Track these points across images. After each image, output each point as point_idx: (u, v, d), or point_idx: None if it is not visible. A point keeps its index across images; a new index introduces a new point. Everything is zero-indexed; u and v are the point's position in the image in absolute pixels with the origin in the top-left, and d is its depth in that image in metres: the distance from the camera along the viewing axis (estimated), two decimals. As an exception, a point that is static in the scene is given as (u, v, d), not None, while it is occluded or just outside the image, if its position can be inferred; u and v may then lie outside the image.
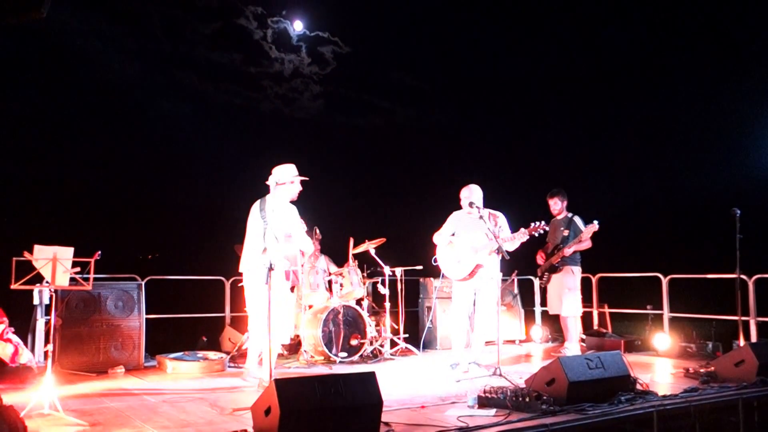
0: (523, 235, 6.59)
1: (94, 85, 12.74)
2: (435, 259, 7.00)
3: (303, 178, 6.23)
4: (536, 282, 10.01)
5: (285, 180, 6.16)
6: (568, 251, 7.80)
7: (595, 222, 7.61)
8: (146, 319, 7.39)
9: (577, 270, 7.91)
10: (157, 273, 8.25)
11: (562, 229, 7.96)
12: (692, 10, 13.83)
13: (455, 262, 6.81)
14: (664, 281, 8.54)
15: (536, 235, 6.64)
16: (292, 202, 6.26)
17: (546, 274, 8.07)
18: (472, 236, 6.73)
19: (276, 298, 5.60)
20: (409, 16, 14.73)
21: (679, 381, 5.95)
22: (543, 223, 6.56)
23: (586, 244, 7.83)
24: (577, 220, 7.96)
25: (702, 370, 6.01)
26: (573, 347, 7.86)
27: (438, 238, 6.98)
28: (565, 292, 7.82)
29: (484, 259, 6.65)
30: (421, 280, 9.40)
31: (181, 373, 6.79)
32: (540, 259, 8.17)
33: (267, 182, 6.22)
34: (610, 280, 9.40)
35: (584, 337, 8.55)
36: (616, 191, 13.47)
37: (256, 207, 6.11)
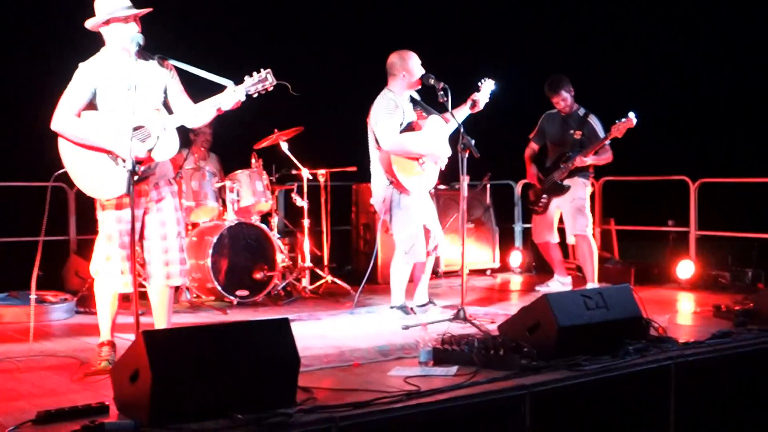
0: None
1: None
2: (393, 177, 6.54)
3: (136, 11, 4.82)
4: (516, 188, 10.18)
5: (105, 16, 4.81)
6: (582, 161, 7.59)
7: (631, 115, 7.37)
8: (-49, 245, 7.23)
9: (589, 184, 7.85)
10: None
11: (571, 131, 7.74)
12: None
13: (420, 170, 6.62)
14: (692, 188, 8.73)
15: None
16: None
17: (545, 197, 7.94)
18: (431, 123, 6.67)
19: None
20: None
21: (707, 323, 6.15)
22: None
23: (608, 154, 7.72)
24: (593, 119, 7.74)
25: (737, 308, 6.18)
26: (571, 280, 8.10)
27: (408, 141, 6.55)
28: (577, 210, 7.73)
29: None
30: (355, 186, 9.43)
31: (8, 322, 6.72)
32: (532, 176, 8.04)
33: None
34: (618, 185, 9.56)
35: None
36: (628, 70, 13.48)
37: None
